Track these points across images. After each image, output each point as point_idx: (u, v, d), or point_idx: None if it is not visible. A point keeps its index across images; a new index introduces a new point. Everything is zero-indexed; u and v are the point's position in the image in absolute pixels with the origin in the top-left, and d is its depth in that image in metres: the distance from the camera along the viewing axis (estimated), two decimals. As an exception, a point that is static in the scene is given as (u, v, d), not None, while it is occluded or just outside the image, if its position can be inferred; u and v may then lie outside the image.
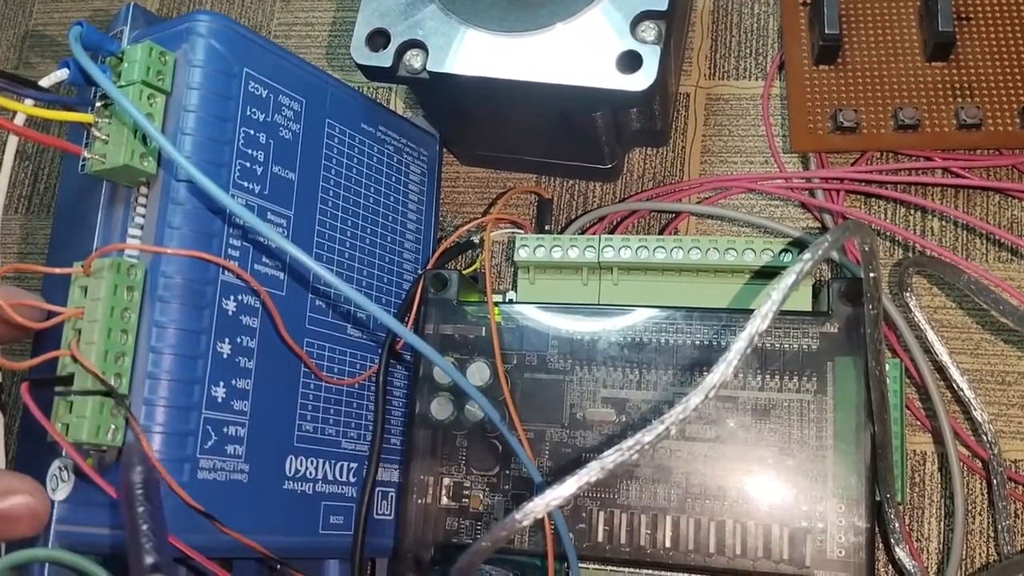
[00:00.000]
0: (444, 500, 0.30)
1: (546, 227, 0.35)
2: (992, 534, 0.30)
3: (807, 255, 0.23)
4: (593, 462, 0.21)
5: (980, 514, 0.31)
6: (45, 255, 0.30)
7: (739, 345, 0.21)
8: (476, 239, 0.34)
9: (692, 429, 0.28)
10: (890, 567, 0.30)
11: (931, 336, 0.31)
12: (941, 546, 0.31)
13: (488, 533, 0.21)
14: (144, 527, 0.21)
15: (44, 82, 0.24)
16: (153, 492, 0.22)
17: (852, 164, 0.34)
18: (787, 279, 0.23)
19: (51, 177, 0.41)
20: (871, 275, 0.26)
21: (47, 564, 0.23)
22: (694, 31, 0.37)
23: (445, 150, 0.36)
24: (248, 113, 0.26)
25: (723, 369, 0.21)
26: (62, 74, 0.25)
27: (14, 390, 0.38)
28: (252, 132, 0.27)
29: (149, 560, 0.21)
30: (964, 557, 0.30)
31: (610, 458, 0.21)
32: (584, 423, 0.29)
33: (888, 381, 0.29)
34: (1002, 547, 0.29)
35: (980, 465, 0.31)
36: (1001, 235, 0.32)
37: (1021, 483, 0.30)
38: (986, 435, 0.30)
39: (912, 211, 0.34)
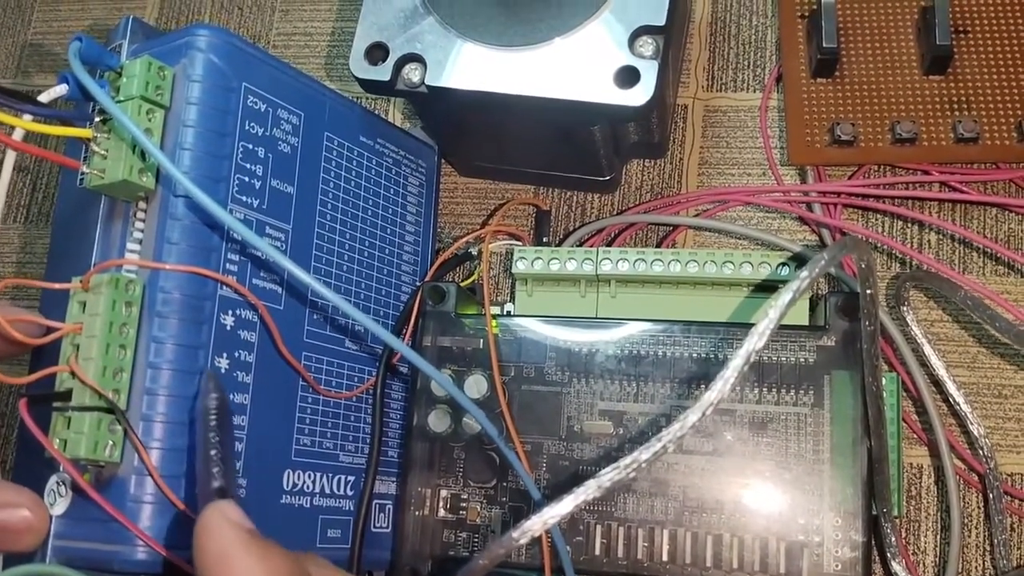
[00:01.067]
0: (441, 512, 0.30)
1: (544, 239, 0.35)
2: (988, 548, 0.30)
3: (804, 272, 0.24)
4: (590, 480, 0.21)
5: (976, 528, 0.31)
6: (43, 265, 0.30)
7: (736, 363, 0.21)
8: (474, 251, 0.34)
9: (689, 442, 0.28)
10: (887, 581, 0.30)
11: (928, 350, 0.31)
12: (937, 560, 0.31)
13: (485, 551, 0.21)
14: (213, 453, 0.22)
15: (43, 97, 0.24)
16: (225, 419, 0.23)
17: (849, 177, 0.34)
18: (784, 296, 0.23)
19: (49, 187, 0.41)
20: (868, 291, 0.26)
21: (44, 579, 0.23)
22: (692, 43, 0.37)
23: (443, 161, 0.37)
24: (247, 127, 0.27)
25: (720, 387, 0.21)
26: (61, 89, 0.25)
27: (11, 404, 0.38)
28: (251, 146, 0.27)
29: (216, 484, 0.22)
30: (960, 571, 0.30)
31: (607, 476, 0.21)
32: (582, 436, 0.29)
33: (885, 395, 0.29)
34: (998, 561, 0.30)
35: (976, 479, 0.31)
36: (998, 249, 0.32)
37: (1017, 497, 0.30)
38: (982, 449, 0.30)
39: (909, 225, 0.34)
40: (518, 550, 0.28)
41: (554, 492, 0.25)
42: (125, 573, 0.23)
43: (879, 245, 0.33)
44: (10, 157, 0.26)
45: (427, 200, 0.34)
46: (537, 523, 0.20)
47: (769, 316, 0.22)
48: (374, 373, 0.31)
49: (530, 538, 0.20)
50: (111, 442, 0.23)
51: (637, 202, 0.36)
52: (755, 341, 0.22)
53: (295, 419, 0.28)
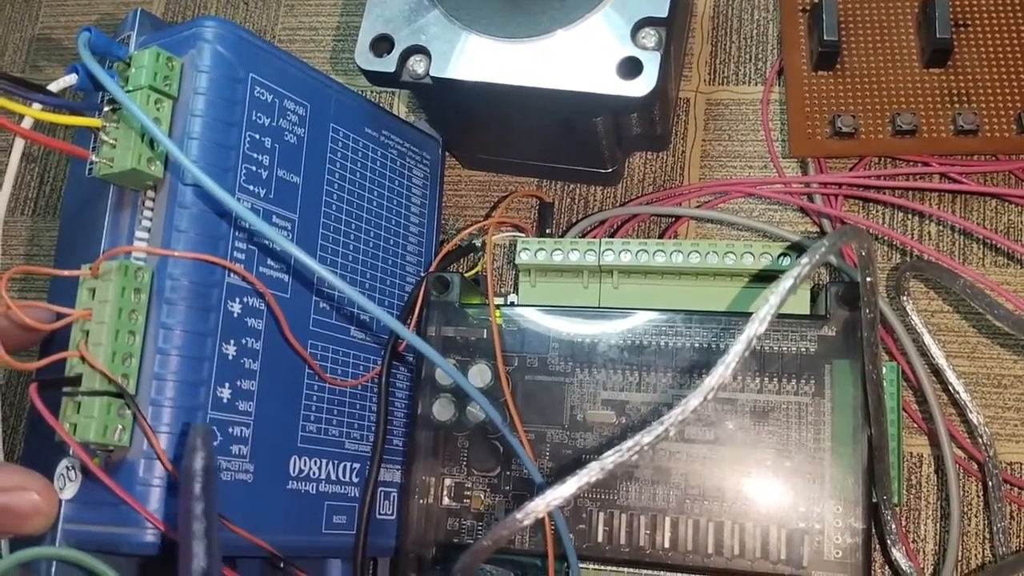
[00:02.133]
0: (445, 500, 0.30)
1: (547, 230, 0.36)
2: (988, 536, 0.31)
3: (804, 260, 0.24)
4: (593, 463, 0.21)
5: (976, 516, 0.31)
6: (51, 257, 0.30)
7: (737, 348, 0.22)
8: (478, 242, 0.35)
9: (691, 431, 0.28)
10: (887, 568, 0.30)
11: (928, 339, 0.31)
12: (937, 547, 0.31)
13: (489, 532, 0.21)
14: (197, 527, 0.20)
15: (53, 87, 0.25)
16: (212, 484, 0.21)
17: (850, 169, 0.34)
18: (784, 283, 0.23)
19: (57, 179, 0.41)
20: (868, 279, 0.26)
21: (55, 562, 0.24)
22: (694, 36, 0.37)
23: (447, 154, 0.37)
24: (254, 118, 0.27)
25: (721, 371, 0.22)
26: (71, 79, 0.25)
27: (20, 394, 0.38)
28: (257, 136, 0.27)
29: (200, 564, 0.19)
30: (960, 558, 0.30)
31: (610, 459, 0.21)
32: (584, 425, 0.30)
33: (885, 384, 0.29)
34: (998, 548, 0.30)
35: (976, 467, 0.31)
36: (997, 240, 0.32)
37: (1017, 485, 0.31)
38: (982, 437, 0.30)
39: (910, 216, 0.34)
40: (522, 536, 0.29)
41: (557, 480, 0.25)
42: (134, 555, 0.23)
43: (880, 236, 0.34)
44: (18, 146, 0.26)
45: (431, 192, 0.35)
46: (540, 504, 0.21)
47: (770, 302, 0.22)
48: (379, 362, 0.31)
49: (534, 519, 0.21)
50: (120, 426, 0.23)
51: (640, 194, 0.36)
52: (756, 326, 0.22)
53: (301, 406, 0.28)
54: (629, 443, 0.21)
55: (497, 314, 0.31)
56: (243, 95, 0.27)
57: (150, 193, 0.26)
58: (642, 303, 0.31)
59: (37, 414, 0.23)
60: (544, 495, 0.21)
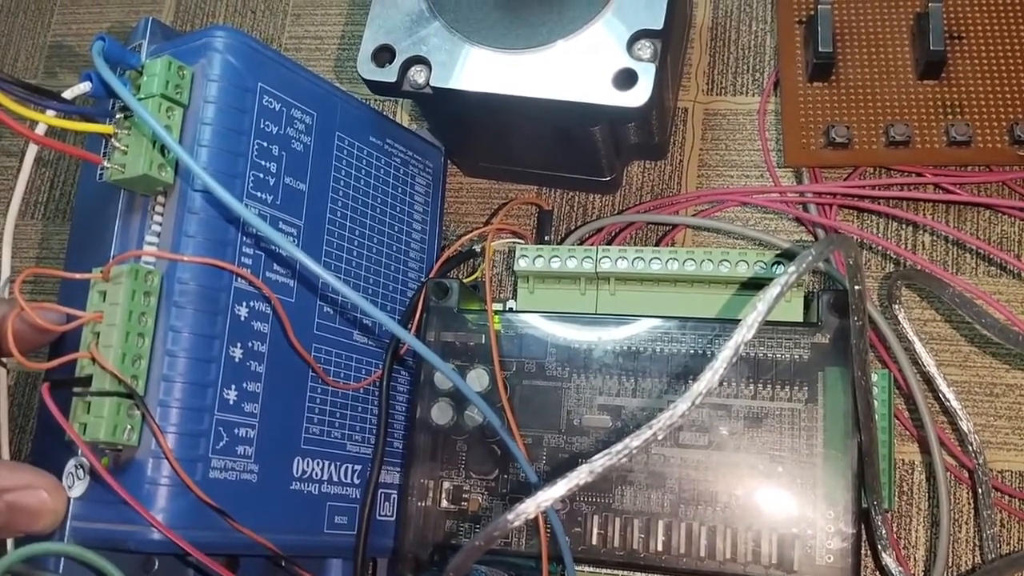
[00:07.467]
0: (444, 503, 0.30)
1: (546, 238, 0.36)
2: (978, 542, 0.31)
3: (792, 267, 0.24)
4: (583, 465, 0.22)
5: (966, 523, 0.31)
6: (61, 260, 0.31)
7: (725, 353, 0.22)
8: (478, 248, 0.35)
9: (686, 436, 0.29)
10: (878, 573, 0.31)
11: (919, 348, 0.32)
12: (928, 553, 0.31)
13: (481, 532, 0.22)
14: None
15: (67, 94, 0.25)
16: None
17: (844, 179, 0.35)
18: (772, 290, 0.24)
19: (67, 184, 0.42)
20: (856, 287, 0.27)
21: (62, 558, 0.24)
22: (693, 48, 0.38)
23: (449, 162, 0.37)
24: (262, 126, 0.28)
25: (710, 376, 0.22)
26: (84, 86, 0.26)
27: (28, 395, 0.39)
28: (265, 144, 0.28)
29: None
30: (950, 564, 0.31)
31: (599, 461, 0.22)
32: (580, 429, 0.30)
33: (876, 391, 0.29)
34: (987, 554, 0.30)
35: (967, 475, 0.31)
36: (990, 250, 0.33)
37: (1006, 492, 0.31)
38: (971, 445, 0.31)
39: (903, 226, 0.34)
40: (519, 539, 0.29)
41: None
42: (140, 553, 0.24)
43: (874, 246, 0.34)
44: (31, 152, 0.27)
45: (433, 199, 0.35)
46: (531, 505, 0.21)
47: (758, 309, 0.23)
48: (381, 366, 0.31)
49: (524, 520, 0.21)
50: (129, 426, 0.24)
51: (637, 202, 0.37)
52: (744, 333, 0.22)
53: (305, 408, 0.28)
54: (618, 446, 0.22)
55: (495, 320, 0.31)
56: (252, 104, 0.27)
57: (160, 199, 0.26)
58: (638, 310, 0.31)
59: (47, 413, 0.24)
60: (535, 496, 0.21)
